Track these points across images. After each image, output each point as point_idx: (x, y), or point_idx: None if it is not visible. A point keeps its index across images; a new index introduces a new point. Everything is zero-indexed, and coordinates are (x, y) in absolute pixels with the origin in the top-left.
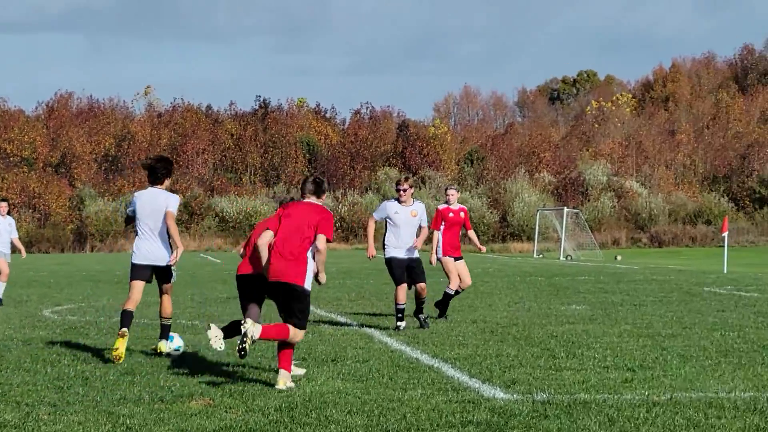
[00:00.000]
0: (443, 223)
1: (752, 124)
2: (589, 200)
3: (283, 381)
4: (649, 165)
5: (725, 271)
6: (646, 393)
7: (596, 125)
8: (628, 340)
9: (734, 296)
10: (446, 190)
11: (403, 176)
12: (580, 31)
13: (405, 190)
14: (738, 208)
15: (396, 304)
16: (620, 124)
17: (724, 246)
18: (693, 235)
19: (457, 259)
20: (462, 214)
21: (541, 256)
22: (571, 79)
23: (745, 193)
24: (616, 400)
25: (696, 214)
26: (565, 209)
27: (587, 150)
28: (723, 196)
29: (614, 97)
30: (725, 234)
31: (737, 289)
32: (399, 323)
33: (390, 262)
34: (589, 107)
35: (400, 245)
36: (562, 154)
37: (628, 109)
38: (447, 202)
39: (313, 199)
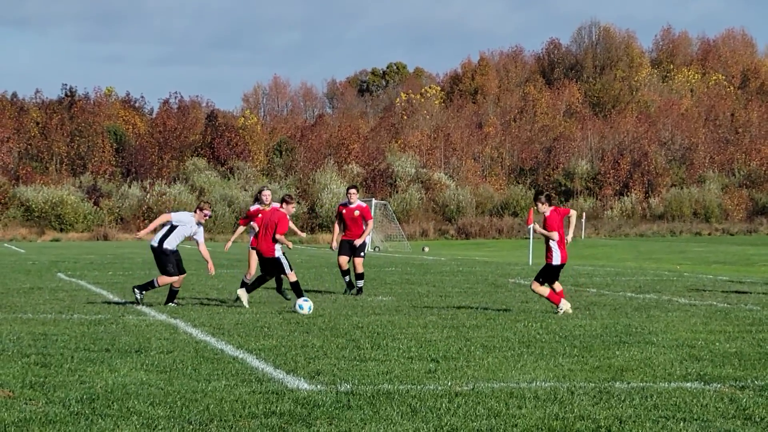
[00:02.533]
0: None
1: (558, 118)
2: (397, 192)
3: None
4: (456, 157)
5: (530, 263)
6: (449, 383)
7: (405, 117)
8: (433, 331)
9: None
10: (261, 191)
11: None
12: (391, 23)
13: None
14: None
15: None
16: (429, 117)
17: (529, 238)
18: (499, 227)
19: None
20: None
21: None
22: (381, 71)
23: (551, 185)
24: (419, 391)
25: (503, 206)
26: (374, 201)
27: (396, 142)
28: (529, 189)
29: (423, 90)
30: (531, 226)
31: None
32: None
33: None
34: (398, 99)
35: None
36: (371, 146)
37: (436, 102)
38: (260, 201)
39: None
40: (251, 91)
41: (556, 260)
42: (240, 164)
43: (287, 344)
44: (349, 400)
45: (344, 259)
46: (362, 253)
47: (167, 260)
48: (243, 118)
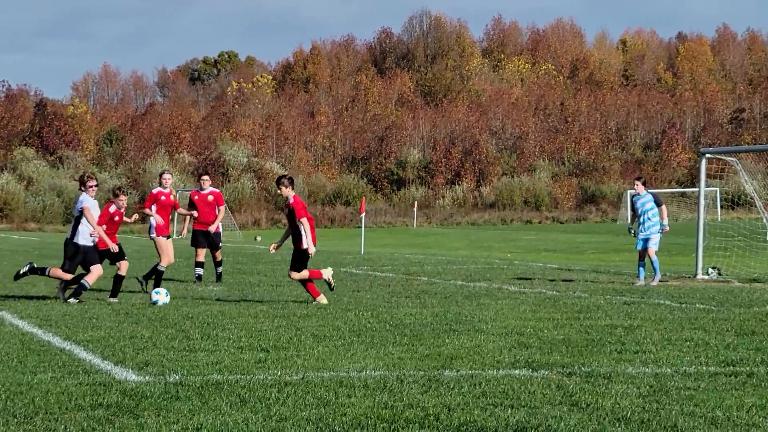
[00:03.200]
0: (155, 204)
1: (390, 107)
2: (229, 181)
3: None
4: (289, 146)
5: (362, 252)
6: (279, 373)
7: (236, 106)
8: (263, 320)
9: (370, 276)
10: (161, 174)
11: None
12: (223, 12)
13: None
14: (376, 189)
15: None
16: (260, 106)
17: (361, 227)
18: (332, 216)
19: (168, 237)
20: (173, 197)
21: (181, 236)
22: (212, 60)
23: (383, 174)
24: (249, 381)
25: (335, 195)
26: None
27: (227, 131)
28: (362, 178)
29: (254, 79)
30: (363, 215)
31: (373, 269)
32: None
33: None
34: (229, 88)
35: None
36: (203, 135)
37: (268, 91)
38: (161, 185)
39: None
40: (81, 80)
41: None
42: (69, 153)
43: (116, 335)
44: (177, 391)
45: (203, 252)
46: (220, 244)
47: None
48: (72, 107)
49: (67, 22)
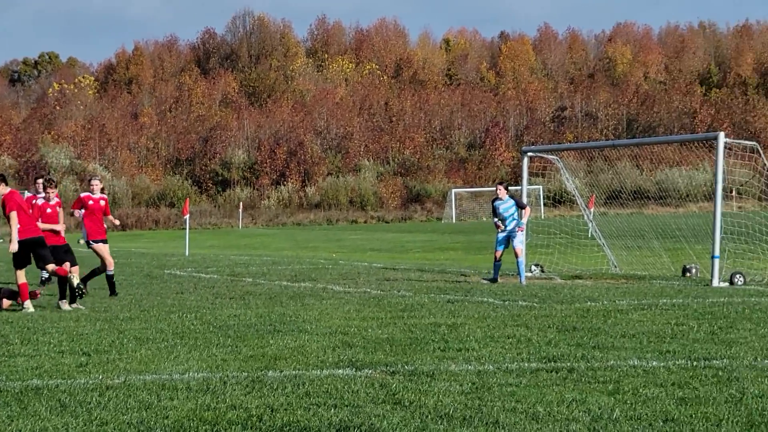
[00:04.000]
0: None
1: (214, 108)
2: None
3: None
4: (112, 148)
5: (187, 254)
6: (101, 377)
7: (58, 108)
8: (85, 324)
9: (194, 278)
10: (90, 180)
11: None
12: (43, 12)
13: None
14: (201, 191)
15: None
16: (83, 107)
17: (185, 228)
18: (156, 218)
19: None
20: (102, 202)
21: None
22: (33, 61)
23: (207, 175)
24: (70, 385)
25: (159, 197)
26: (27, 193)
27: (49, 133)
28: (186, 179)
29: (76, 80)
30: (187, 216)
31: (197, 270)
32: None
33: None
34: (50, 89)
35: None
36: (24, 137)
37: (90, 92)
38: (90, 191)
39: None
40: None
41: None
42: None
43: None
44: None
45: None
46: None
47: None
48: None
49: None
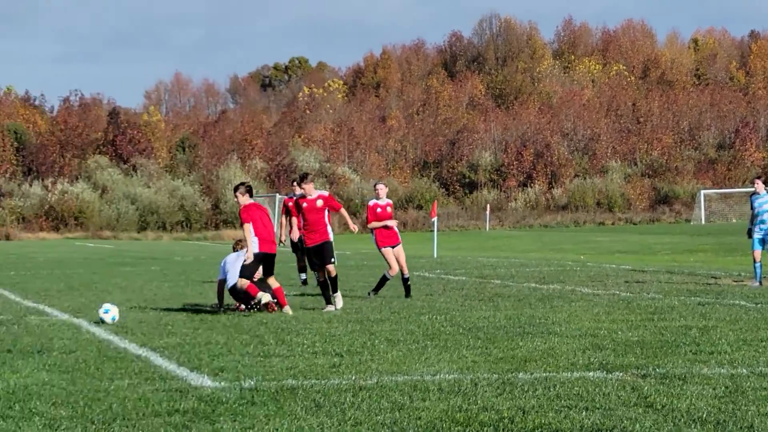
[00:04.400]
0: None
1: (461, 110)
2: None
3: None
4: (360, 151)
5: (435, 256)
6: (353, 377)
7: (308, 111)
8: (337, 325)
9: (443, 280)
10: (375, 185)
11: None
12: (293, 18)
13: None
14: (448, 193)
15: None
16: (331, 111)
17: (434, 231)
18: (404, 220)
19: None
20: (389, 209)
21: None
22: (283, 66)
23: (454, 178)
24: (324, 386)
25: (407, 199)
26: (277, 196)
27: (299, 136)
28: (433, 182)
29: (326, 84)
30: (435, 219)
31: (446, 272)
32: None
33: None
34: (300, 94)
35: None
36: (275, 141)
37: (339, 96)
38: (376, 196)
39: None
40: (153, 88)
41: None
42: (143, 161)
43: (191, 342)
44: (253, 397)
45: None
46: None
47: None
48: (147, 115)
49: (139, 30)
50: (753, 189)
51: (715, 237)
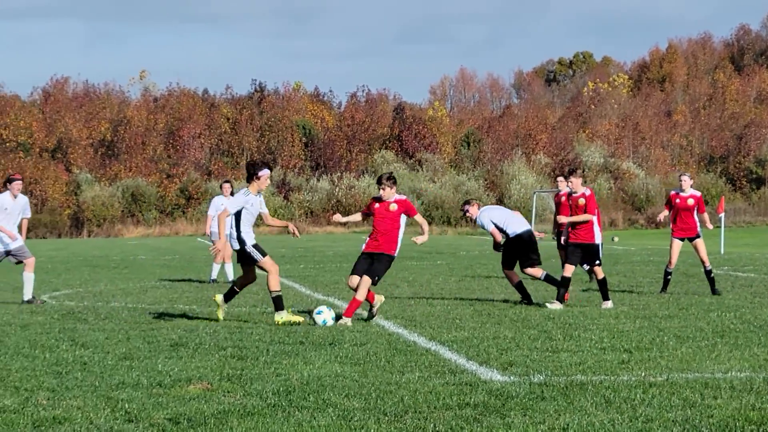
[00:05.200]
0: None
1: (748, 105)
2: (585, 182)
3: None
4: (645, 146)
5: (722, 252)
6: (643, 374)
7: (592, 106)
8: (625, 321)
9: (731, 277)
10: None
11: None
12: (577, 12)
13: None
14: (735, 189)
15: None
16: (616, 105)
17: (720, 227)
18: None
19: (691, 239)
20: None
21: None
22: (568, 61)
23: (741, 173)
24: (613, 381)
25: None
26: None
27: (583, 131)
28: (720, 177)
29: (610, 79)
30: (722, 215)
31: (734, 269)
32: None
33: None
34: (585, 88)
35: None
36: (559, 136)
37: (624, 90)
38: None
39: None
40: (438, 83)
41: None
42: (428, 156)
43: (479, 336)
44: (542, 391)
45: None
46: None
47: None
48: (432, 110)
49: (425, 27)
50: None
51: None
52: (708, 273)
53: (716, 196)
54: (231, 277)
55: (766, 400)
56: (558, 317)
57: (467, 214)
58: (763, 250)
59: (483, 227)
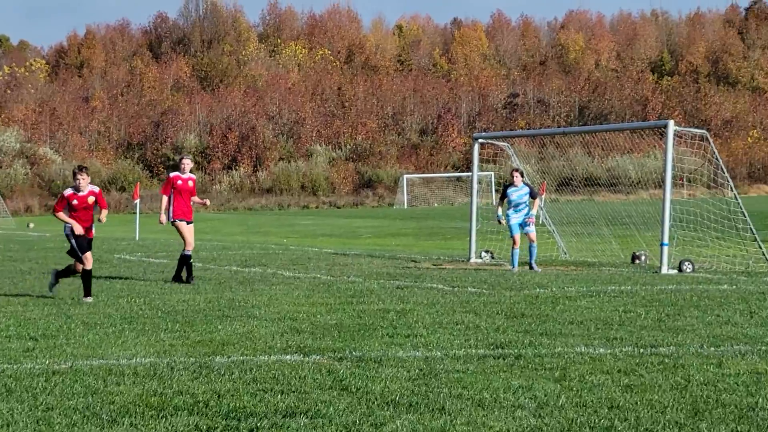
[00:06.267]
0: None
1: (166, 92)
2: (1, 167)
3: None
4: (63, 132)
5: (137, 238)
6: (47, 362)
7: (9, 91)
8: (33, 308)
9: (144, 262)
10: (181, 159)
11: None
12: None
13: None
14: (152, 175)
15: None
16: (34, 91)
17: (136, 213)
18: (107, 202)
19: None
20: (191, 183)
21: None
22: None
23: (159, 159)
24: (15, 370)
25: (110, 181)
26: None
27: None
28: (137, 163)
29: (27, 63)
30: (137, 201)
31: (147, 255)
32: None
33: None
34: (1, 73)
35: None
36: None
37: (41, 75)
38: (182, 171)
39: None
40: None
41: None
42: None
43: None
44: None
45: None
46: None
47: None
48: None
49: None
50: (455, 175)
51: (417, 221)
52: (186, 257)
53: (133, 182)
54: None
55: (168, 385)
56: None
57: None
58: (176, 236)
59: None
